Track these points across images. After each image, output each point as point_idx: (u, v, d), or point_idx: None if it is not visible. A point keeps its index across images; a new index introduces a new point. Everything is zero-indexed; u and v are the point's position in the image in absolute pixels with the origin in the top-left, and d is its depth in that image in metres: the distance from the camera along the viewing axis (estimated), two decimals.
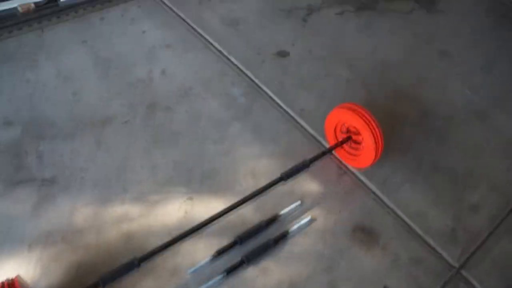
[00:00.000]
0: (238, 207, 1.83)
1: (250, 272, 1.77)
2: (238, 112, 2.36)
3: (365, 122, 1.96)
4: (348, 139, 2.09)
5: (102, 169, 2.05)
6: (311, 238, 1.89)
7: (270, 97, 2.46)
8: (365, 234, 1.94)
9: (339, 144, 2.08)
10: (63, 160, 2.09)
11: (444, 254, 1.95)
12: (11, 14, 2.77)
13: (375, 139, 1.97)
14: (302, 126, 2.33)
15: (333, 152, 2.19)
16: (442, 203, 2.10)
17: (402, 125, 2.39)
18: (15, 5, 2.79)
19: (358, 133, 2.05)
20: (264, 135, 2.26)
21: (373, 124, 1.96)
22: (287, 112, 2.39)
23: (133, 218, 1.89)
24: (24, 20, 2.76)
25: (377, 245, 1.91)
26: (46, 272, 1.70)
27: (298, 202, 1.99)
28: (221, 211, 1.75)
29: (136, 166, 2.08)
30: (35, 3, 2.82)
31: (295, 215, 1.97)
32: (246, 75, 2.57)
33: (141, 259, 1.59)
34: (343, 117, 2.04)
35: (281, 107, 2.42)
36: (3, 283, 1.39)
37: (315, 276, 1.78)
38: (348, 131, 2.11)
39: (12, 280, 1.42)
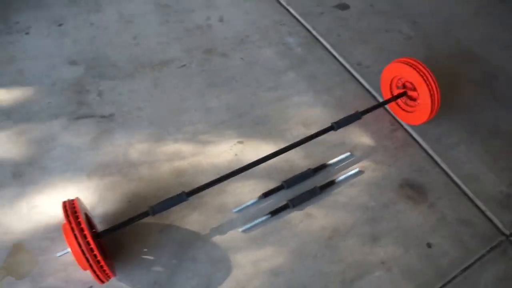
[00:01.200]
0: (287, 153, 1.87)
1: (294, 216, 1.82)
2: (293, 61, 2.38)
3: (422, 77, 1.94)
4: (403, 94, 2.07)
5: (157, 109, 2.15)
6: (357, 189, 1.92)
7: (327, 49, 2.46)
8: (412, 190, 1.94)
9: (393, 99, 2.07)
10: (121, 99, 2.19)
11: (495, 219, 1.92)
12: None
13: (431, 95, 1.95)
14: (357, 80, 2.33)
15: (387, 107, 2.18)
16: (499, 168, 2.06)
17: (464, 85, 2.34)
18: None
19: (414, 89, 2.03)
20: (318, 86, 2.28)
21: (430, 80, 1.93)
22: (342, 65, 2.39)
23: (185, 157, 1.98)
24: None
25: (424, 203, 1.91)
26: (102, 200, 1.83)
27: (348, 153, 2.01)
28: (270, 154, 1.80)
29: (190, 108, 2.16)
30: None
31: (344, 165, 1.99)
32: (304, 26, 2.57)
33: (189, 193, 1.68)
34: (400, 71, 2.02)
35: (337, 59, 2.41)
36: (64, 202, 1.52)
37: (358, 226, 1.82)
38: (404, 86, 2.09)
39: (72, 200, 1.55)
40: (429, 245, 1.79)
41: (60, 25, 2.50)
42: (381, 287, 1.67)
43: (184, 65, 2.35)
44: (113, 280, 1.62)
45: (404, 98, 2.09)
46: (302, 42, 2.47)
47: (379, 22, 2.62)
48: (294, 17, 2.60)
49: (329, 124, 1.93)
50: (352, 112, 1.99)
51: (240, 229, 1.76)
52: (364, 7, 2.71)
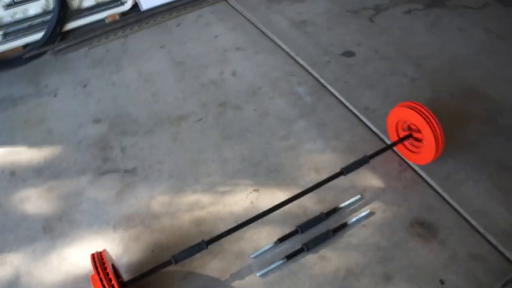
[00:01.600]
0: (300, 198, 1.99)
1: (309, 259, 1.92)
2: (303, 110, 2.52)
3: (425, 120, 2.05)
4: (408, 136, 2.18)
5: (177, 162, 2.30)
6: (369, 230, 2.01)
7: (335, 96, 2.60)
8: (423, 228, 2.02)
9: (400, 141, 2.18)
10: (143, 153, 2.36)
11: (507, 253, 1.98)
12: (100, 25, 3.14)
13: (435, 136, 2.05)
14: (365, 124, 2.45)
15: (394, 148, 2.29)
16: (508, 202, 2.13)
17: (468, 122, 2.43)
18: (103, 16, 3.15)
19: (418, 131, 2.14)
20: (327, 132, 2.41)
21: (433, 121, 2.04)
22: (350, 110, 2.52)
23: (204, 206, 2.11)
24: (110, 29, 3.11)
25: (435, 240, 1.99)
26: (127, 250, 1.96)
27: (358, 196, 2.11)
28: (284, 201, 1.92)
29: (207, 159, 2.31)
30: (120, 13, 3.17)
31: (355, 208, 2.09)
32: (312, 75, 2.72)
33: (209, 242, 1.80)
34: (404, 115, 2.14)
35: (344, 105, 2.55)
36: (93, 254, 1.66)
37: (371, 266, 1.90)
38: (409, 128, 2.20)
39: (100, 252, 1.68)
40: (442, 282, 1.85)
41: (85, 86, 2.71)
42: None
43: (201, 119, 2.51)
44: None
45: (410, 140, 2.20)
46: (311, 91, 2.62)
47: (384, 66, 2.76)
48: (303, 67, 2.77)
49: (339, 170, 2.04)
50: (361, 155, 2.10)
51: (258, 274, 1.86)
52: (369, 53, 2.86)
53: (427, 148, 2.09)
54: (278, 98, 2.59)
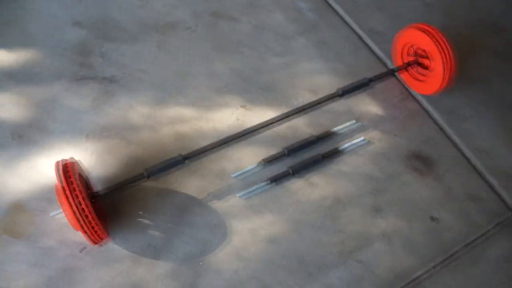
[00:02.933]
0: (291, 119, 1.83)
1: (295, 184, 1.79)
2: (303, 26, 2.31)
3: (435, 44, 1.87)
4: (414, 62, 2.00)
5: (160, 72, 2.11)
6: (362, 159, 1.88)
7: (339, 15, 2.38)
8: (420, 162, 1.89)
9: (404, 67, 2.00)
10: (124, 61, 2.16)
11: (504, 195, 1.87)
12: None
13: (444, 64, 1.87)
14: (370, 48, 2.26)
15: (397, 74, 2.11)
16: None
17: (484, 57, 2.25)
18: None
19: (426, 57, 1.95)
20: (328, 52, 2.22)
21: (444, 47, 1.85)
22: (355, 32, 2.32)
23: (186, 120, 1.95)
24: None
25: (431, 175, 1.86)
26: (100, 162, 1.82)
27: (353, 121, 1.96)
28: (272, 119, 1.76)
29: (194, 71, 2.12)
30: None
31: (349, 134, 1.95)
32: None
33: (186, 156, 1.66)
34: (413, 37, 1.95)
35: (349, 26, 2.34)
36: (57, 162, 1.51)
37: (360, 197, 1.78)
38: (415, 54, 2.01)
39: (66, 160, 1.54)
40: (432, 219, 1.75)
41: None
42: (381, 260, 1.64)
43: (190, 28, 2.30)
44: (107, 242, 1.61)
45: (415, 66, 2.02)
46: (314, 8, 2.40)
47: None
48: None
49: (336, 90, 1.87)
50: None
51: (238, 195, 1.73)
52: None
53: (434, 77, 1.92)
54: (277, 11, 2.37)
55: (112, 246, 1.62)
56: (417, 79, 2.03)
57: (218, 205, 1.72)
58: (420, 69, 2.01)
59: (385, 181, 1.81)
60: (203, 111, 1.98)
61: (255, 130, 1.74)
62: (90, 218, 1.40)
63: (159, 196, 1.74)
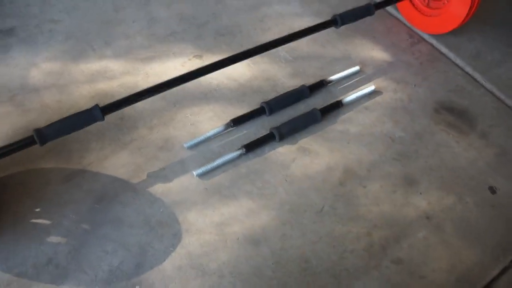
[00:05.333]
0: (268, 70, 1.12)
1: (283, 152, 1.06)
2: None
3: None
4: None
5: (80, 21, 1.38)
6: (375, 114, 1.17)
7: None
8: (455, 116, 1.20)
9: None
10: (29, 10, 1.41)
11: None
12: None
13: None
14: None
15: (402, 18, 1.45)
16: None
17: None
18: None
19: None
20: None
21: None
22: None
23: (113, 77, 1.21)
24: None
25: (474, 132, 1.18)
26: None
27: (357, 68, 1.26)
28: (236, 55, 1.02)
29: (127, 19, 1.39)
30: None
31: (351, 84, 1.24)
32: None
33: (106, 108, 0.89)
34: None
35: None
36: None
37: (383, 165, 1.06)
38: None
39: None
40: (492, 190, 1.04)
41: None
42: (430, 256, 0.92)
43: None
44: None
45: None
46: None
47: None
48: None
49: (327, 36, 1.17)
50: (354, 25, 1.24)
51: (195, 173, 0.97)
52: None
53: (454, 8, 1.26)
54: None
55: None
56: (426, 14, 1.37)
57: (164, 190, 0.96)
58: (431, 0, 1.34)
59: (414, 143, 1.11)
60: (139, 64, 1.24)
61: (210, 70, 0.99)
62: None
63: (68, 183, 0.97)
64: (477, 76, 1.34)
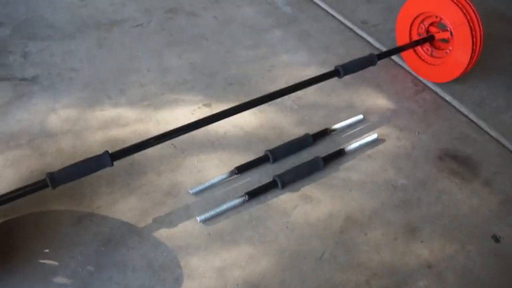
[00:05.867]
0: (273, 119, 1.16)
1: (285, 199, 1.08)
2: (280, 19, 1.71)
3: (462, 12, 1.26)
4: (428, 39, 1.38)
5: (98, 70, 1.46)
6: (378, 162, 1.19)
7: (322, 8, 1.80)
8: (458, 163, 1.21)
9: (416, 44, 1.38)
10: (53, 60, 1.51)
11: None
12: None
13: (473, 38, 1.26)
14: (363, 38, 1.65)
15: (406, 66, 1.50)
16: None
17: (498, 46, 1.65)
18: None
19: (446, 30, 1.34)
20: (312, 44, 1.60)
21: (474, 17, 1.26)
22: (343, 23, 1.72)
23: (127, 123, 1.27)
24: None
25: (477, 179, 1.18)
26: None
27: (360, 116, 1.30)
28: (244, 104, 1.07)
29: (141, 68, 1.46)
30: None
31: (355, 133, 1.27)
32: None
33: (116, 154, 0.94)
34: (430, 6, 1.34)
35: (335, 18, 1.75)
36: None
37: (384, 213, 1.07)
38: (428, 31, 1.40)
39: None
40: (496, 238, 1.04)
41: None
42: None
43: (140, 25, 1.66)
44: None
45: (428, 46, 1.40)
46: (291, 1, 1.82)
47: None
48: None
49: (331, 86, 1.22)
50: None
51: (199, 218, 1.00)
52: None
53: (455, 57, 1.31)
54: (247, 6, 1.77)
55: None
56: (430, 63, 1.41)
57: (168, 234, 0.99)
58: (435, 50, 1.39)
59: (416, 190, 1.12)
60: (151, 112, 1.30)
61: (216, 119, 1.03)
62: None
63: (78, 225, 1.00)
64: (481, 123, 1.36)
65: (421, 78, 1.48)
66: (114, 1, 1.82)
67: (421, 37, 1.41)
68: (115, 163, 0.97)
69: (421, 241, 1.03)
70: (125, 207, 1.06)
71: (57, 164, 1.15)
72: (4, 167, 1.16)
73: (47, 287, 0.91)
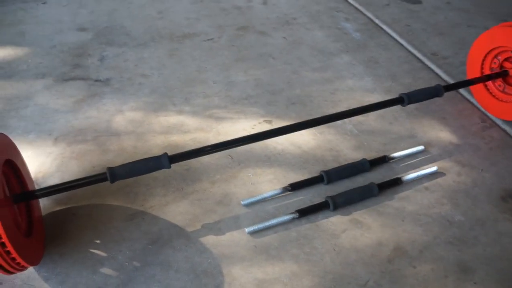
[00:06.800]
0: (332, 141, 1.16)
1: (335, 222, 1.07)
2: (349, 45, 1.72)
3: None
4: (502, 74, 1.33)
5: (166, 78, 1.53)
6: (435, 195, 1.14)
7: (392, 37, 1.78)
8: None
9: (487, 78, 1.34)
10: (126, 65, 1.59)
11: None
12: None
13: None
14: (431, 70, 1.62)
15: (475, 102, 1.44)
16: None
17: None
18: None
19: None
20: (379, 71, 1.59)
21: None
22: (412, 54, 1.70)
23: (188, 131, 1.31)
24: None
25: None
26: (62, 169, 1.20)
27: (421, 147, 1.26)
28: (301, 123, 1.08)
29: (207, 79, 1.52)
30: None
31: (414, 163, 1.24)
32: (364, 14, 1.95)
33: (174, 157, 0.98)
34: (505, 40, 1.29)
35: (405, 47, 1.73)
36: None
37: (437, 248, 1.03)
38: (502, 66, 1.34)
39: None
40: None
41: None
42: None
43: (211, 39, 1.73)
44: (33, 276, 0.91)
45: (501, 82, 1.35)
46: (361, 29, 1.83)
47: (459, 17, 1.94)
48: (353, 5, 1.97)
49: (395, 111, 1.20)
50: (425, 103, 1.26)
51: (247, 230, 1.01)
52: (439, 3, 2.03)
53: None
54: (317, 30, 1.79)
55: (41, 284, 0.89)
56: (501, 100, 1.35)
57: (215, 242, 1.00)
58: (507, 86, 1.33)
59: (473, 229, 1.06)
60: (213, 122, 1.33)
61: (278, 133, 1.05)
62: None
63: (129, 221, 1.04)
64: None
65: (489, 115, 1.42)
66: (190, 15, 1.91)
67: (493, 72, 1.35)
68: (172, 166, 1.00)
69: (474, 283, 0.97)
70: (176, 210, 1.09)
71: (117, 161, 1.21)
72: (70, 158, 1.23)
73: (94, 275, 0.95)
